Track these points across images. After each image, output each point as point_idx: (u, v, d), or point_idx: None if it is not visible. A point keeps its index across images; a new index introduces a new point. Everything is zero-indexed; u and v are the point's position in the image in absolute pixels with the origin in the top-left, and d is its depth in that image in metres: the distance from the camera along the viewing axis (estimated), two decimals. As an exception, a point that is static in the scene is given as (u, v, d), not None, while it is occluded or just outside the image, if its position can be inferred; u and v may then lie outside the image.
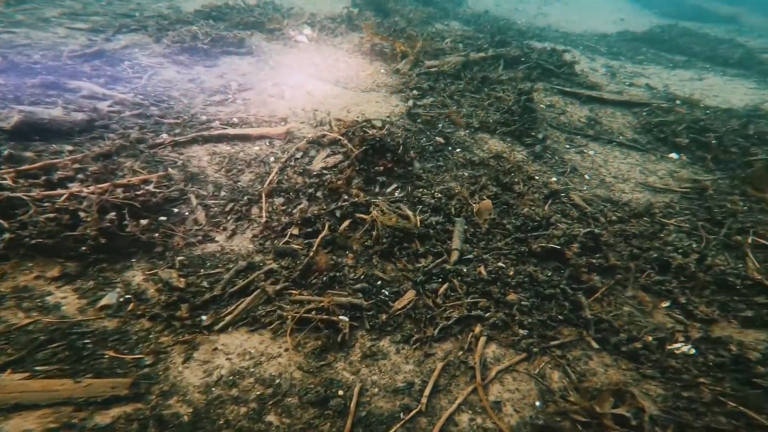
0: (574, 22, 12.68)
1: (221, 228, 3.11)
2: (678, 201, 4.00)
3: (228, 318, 2.43)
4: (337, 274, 2.76)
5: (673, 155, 4.84)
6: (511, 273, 2.89)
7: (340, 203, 3.30)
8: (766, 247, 3.24)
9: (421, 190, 3.60)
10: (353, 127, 3.95)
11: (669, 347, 2.43)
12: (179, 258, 2.80)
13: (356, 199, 3.32)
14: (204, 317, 2.44)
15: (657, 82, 7.78)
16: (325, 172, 3.67)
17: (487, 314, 2.62)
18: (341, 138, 3.86)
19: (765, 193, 3.87)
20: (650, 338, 2.48)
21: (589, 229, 3.25)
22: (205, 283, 2.63)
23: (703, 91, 7.38)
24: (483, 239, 3.21)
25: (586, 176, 4.42)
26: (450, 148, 4.46)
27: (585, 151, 4.89)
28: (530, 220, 3.37)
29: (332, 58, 6.34)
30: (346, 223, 3.16)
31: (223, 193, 3.42)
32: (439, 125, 4.76)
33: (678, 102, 6.46)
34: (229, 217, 3.20)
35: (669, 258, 3.12)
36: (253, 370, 2.21)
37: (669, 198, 4.08)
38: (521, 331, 2.54)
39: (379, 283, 2.78)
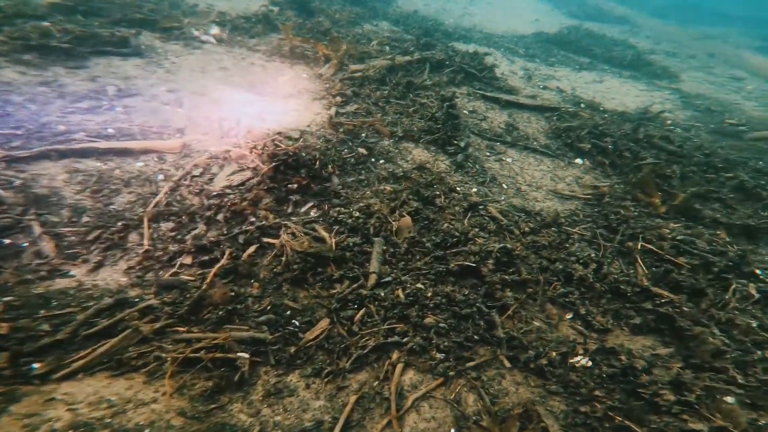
0: (496, 22, 13.20)
1: (79, 260, 2.73)
2: (581, 208, 4.32)
3: (78, 363, 2.11)
4: (238, 306, 2.58)
5: (579, 161, 5.22)
6: (430, 294, 2.91)
7: (244, 227, 3.08)
8: (654, 252, 3.60)
9: (338, 208, 3.49)
10: (264, 140, 3.71)
11: (571, 361, 2.61)
12: (5, 299, 2.40)
13: (265, 221, 3.13)
14: (36, 365, 2.10)
15: (566, 84, 8.37)
16: (228, 191, 3.40)
17: (404, 339, 2.61)
18: (249, 152, 3.61)
19: (652, 198, 4.31)
20: (554, 354, 2.64)
21: (503, 245, 3.38)
22: (45, 327, 2.28)
23: (603, 93, 8.09)
24: (402, 259, 3.21)
25: (504, 185, 4.61)
26: (373, 159, 4.39)
27: (503, 158, 5.10)
28: (449, 236, 3.43)
29: (246, 62, 5.92)
30: (252, 249, 2.96)
31: (85, 219, 3.00)
32: (363, 135, 4.67)
33: (582, 105, 7.01)
34: (93, 247, 2.81)
35: (572, 269, 3.35)
36: (110, 420, 1.93)
37: (574, 205, 4.39)
38: (438, 355, 2.58)
39: (288, 313, 2.65)
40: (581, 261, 3.47)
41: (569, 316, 3.08)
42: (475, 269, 3.18)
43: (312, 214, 3.44)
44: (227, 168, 3.63)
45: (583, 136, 5.44)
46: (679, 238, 3.75)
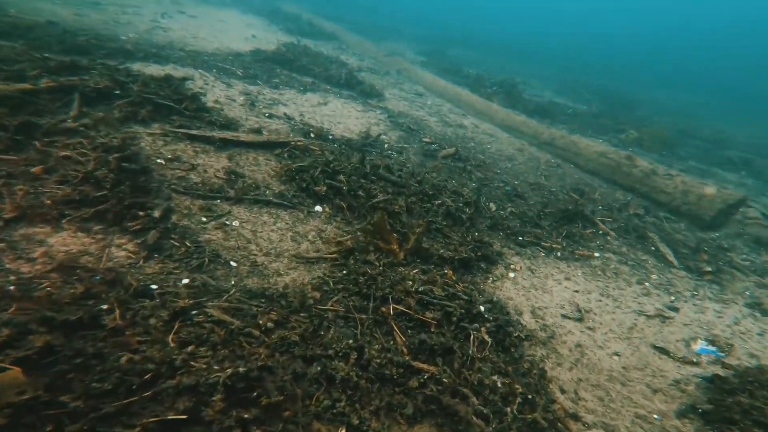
0: (205, 38, 11.78)
1: None
2: (330, 272, 3.93)
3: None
4: None
5: (318, 208, 4.87)
6: None
7: None
8: (405, 312, 3.52)
9: None
10: None
11: None
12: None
13: None
14: None
15: (294, 109, 8.11)
16: None
17: None
18: None
19: (391, 244, 4.34)
20: None
21: (232, 371, 2.52)
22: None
23: (329, 117, 8.27)
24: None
25: (234, 262, 3.74)
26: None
27: (228, 222, 4.19)
28: (135, 374, 2.31)
29: None
30: None
31: None
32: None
33: (312, 135, 6.84)
34: None
35: (332, 370, 2.85)
36: None
37: (323, 270, 3.96)
38: None
39: None
40: (340, 353, 3.02)
41: (343, 430, 2.56)
42: (193, 419, 2.23)
43: None
44: None
45: (318, 177, 5.14)
46: (421, 290, 3.84)
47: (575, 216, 6.27)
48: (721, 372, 3.75)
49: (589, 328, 4.22)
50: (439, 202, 5.48)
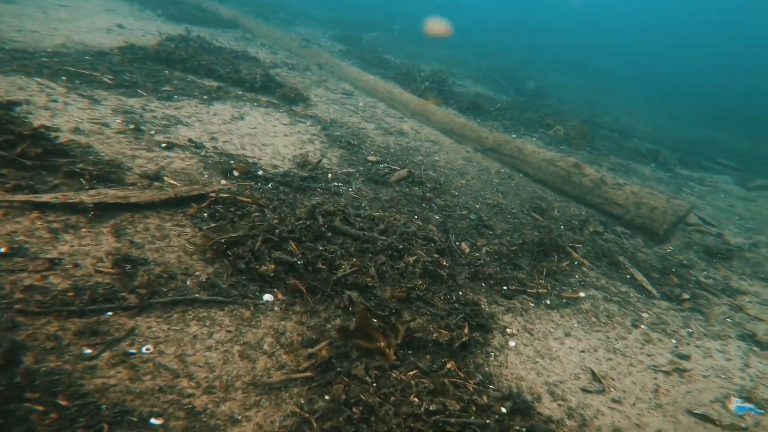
0: (38, 30, 9.11)
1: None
2: (308, 403, 2.85)
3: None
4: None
5: (268, 297, 3.67)
6: None
7: None
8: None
9: None
10: None
11: None
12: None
13: None
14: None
15: (201, 131, 6.50)
16: None
17: None
18: None
19: (378, 342, 3.37)
20: None
21: None
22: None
23: (251, 138, 6.82)
24: None
25: (155, 420, 2.53)
26: None
27: (133, 349, 2.87)
28: None
29: None
30: None
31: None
32: None
33: (235, 172, 5.43)
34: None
35: None
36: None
37: (295, 400, 2.85)
38: None
39: None
40: None
41: None
42: None
43: None
44: None
45: (260, 250, 3.90)
46: (432, 409, 2.97)
47: (550, 248, 5.87)
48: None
49: (616, 401, 3.75)
50: (414, 258, 4.60)
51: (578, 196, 8.02)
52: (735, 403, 3.86)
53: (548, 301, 4.95)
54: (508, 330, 4.35)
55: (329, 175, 6.27)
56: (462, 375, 3.46)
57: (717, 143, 18.97)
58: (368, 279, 4.06)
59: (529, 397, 3.57)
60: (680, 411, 3.72)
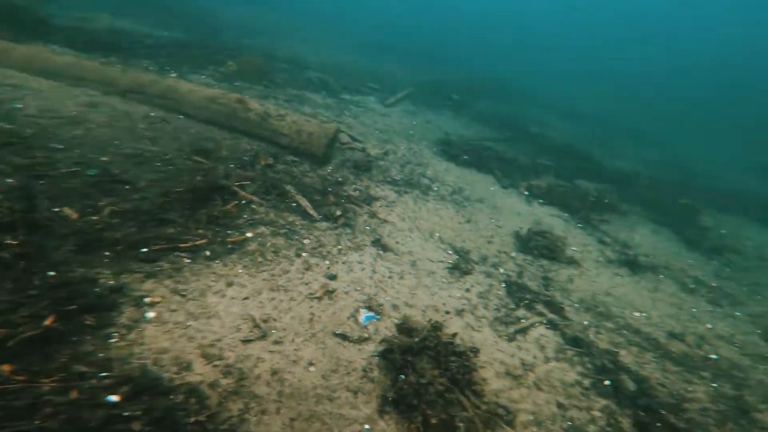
0: None
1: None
2: None
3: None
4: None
5: None
6: None
7: None
8: None
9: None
10: None
11: None
12: None
13: None
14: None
15: None
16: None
17: None
18: None
19: None
20: None
21: None
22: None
23: None
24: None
25: None
26: None
27: None
28: None
29: None
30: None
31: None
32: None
33: None
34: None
35: None
36: None
37: None
38: None
39: None
40: None
41: None
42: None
43: None
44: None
45: None
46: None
47: (210, 191, 5.36)
48: (383, 346, 3.92)
49: (277, 343, 3.81)
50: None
51: (248, 131, 7.75)
52: (362, 315, 4.43)
53: (208, 252, 4.54)
54: (147, 300, 3.70)
55: None
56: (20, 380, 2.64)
57: (371, 70, 22.78)
58: None
59: (173, 369, 3.13)
60: (328, 335, 4.08)
